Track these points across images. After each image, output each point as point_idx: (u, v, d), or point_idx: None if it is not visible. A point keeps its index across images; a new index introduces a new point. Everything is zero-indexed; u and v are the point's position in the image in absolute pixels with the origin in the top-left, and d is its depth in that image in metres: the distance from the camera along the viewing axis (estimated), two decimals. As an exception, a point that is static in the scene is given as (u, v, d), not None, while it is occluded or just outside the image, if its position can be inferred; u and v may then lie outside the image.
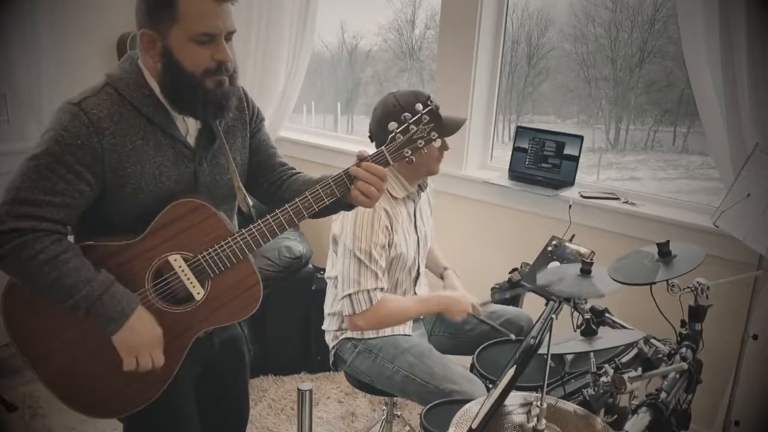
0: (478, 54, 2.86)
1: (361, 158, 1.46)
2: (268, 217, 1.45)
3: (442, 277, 2.33)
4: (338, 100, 4.08)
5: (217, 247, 1.43)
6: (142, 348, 1.41)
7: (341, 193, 1.46)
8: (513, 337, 2.07)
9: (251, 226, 1.44)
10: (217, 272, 1.44)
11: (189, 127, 1.47)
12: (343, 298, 1.97)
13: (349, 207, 1.56)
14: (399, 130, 1.45)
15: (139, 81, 1.40)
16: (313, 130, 3.79)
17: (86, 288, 1.34)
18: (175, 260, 1.43)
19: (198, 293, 1.45)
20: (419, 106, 1.46)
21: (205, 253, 1.43)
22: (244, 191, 1.53)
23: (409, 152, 1.46)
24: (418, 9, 3.67)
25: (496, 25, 2.91)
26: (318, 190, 1.45)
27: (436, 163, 2.05)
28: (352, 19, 3.82)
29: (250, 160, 1.63)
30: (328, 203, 1.46)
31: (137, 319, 1.39)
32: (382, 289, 1.98)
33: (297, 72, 3.36)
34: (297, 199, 1.45)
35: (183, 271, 1.43)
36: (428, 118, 1.45)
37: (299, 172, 1.68)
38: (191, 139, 1.47)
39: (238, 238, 1.43)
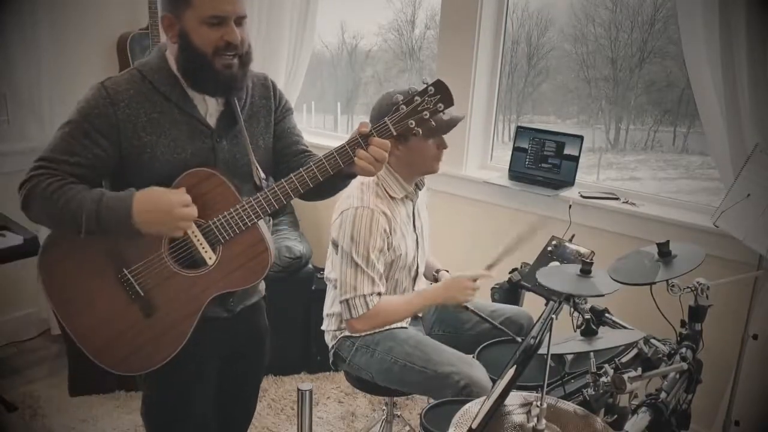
0: (478, 54, 2.86)
1: (363, 133, 1.49)
2: (273, 185, 1.53)
3: (436, 280, 2.32)
4: (338, 100, 4.08)
5: (226, 213, 1.51)
6: (169, 215, 1.45)
7: (345, 164, 1.51)
8: (516, 337, 2.06)
9: (258, 194, 1.52)
10: (228, 238, 1.53)
11: (209, 107, 1.57)
12: (341, 302, 1.98)
13: (352, 176, 1.60)
14: (403, 101, 1.49)
15: (162, 64, 1.54)
16: (313, 130, 3.79)
17: (86, 206, 1.44)
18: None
19: (210, 258, 1.54)
20: (426, 78, 1.49)
21: (215, 219, 1.51)
22: (257, 165, 1.61)
23: (414, 123, 1.48)
24: (418, 9, 3.67)
25: (496, 25, 2.91)
26: (323, 161, 1.51)
27: (435, 161, 2.04)
28: (352, 19, 3.82)
29: (274, 146, 1.72)
30: (332, 173, 1.52)
31: (140, 202, 1.44)
32: (379, 294, 1.98)
33: (297, 72, 3.36)
34: (302, 169, 1.52)
35: (196, 236, 1.51)
36: (434, 89, 1.47)
37: (314, 155, 1.75)
38: (211, 119, 1.57)
39: (246, 206, 1.51)
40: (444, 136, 2.00)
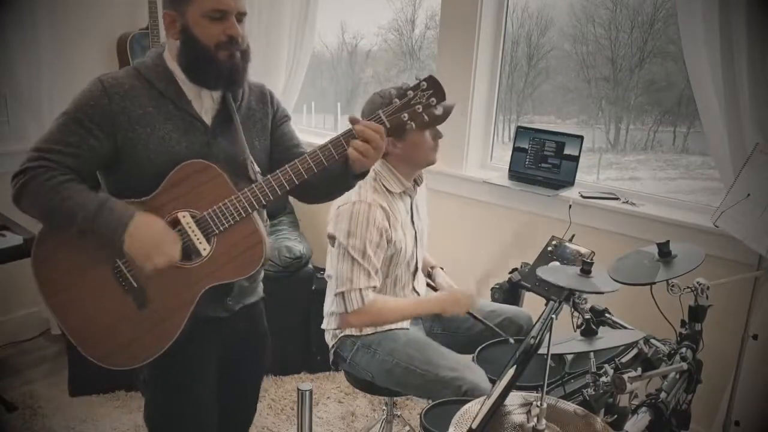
0: (478, 54, 2.86)
1: (353, 120, 1.52)
2: (268, 176, 1.54)
3: (430, 276, 2.33)
4: (338, 100, 4.08)
5: (221, 204, 1.53)
6: (152, 250, 1.48)
7: (339, 155, 1.54)
8: (511, 340, 2.06)
9: (252, 185, 1.54)
10: (222, 229, 1.53)
11: (204, 105, 1.60)
12: (336, 295, 1.98)
13: (360, 176, 1.62)
14: (396, 95, 1.51)
15: (158, 62, 1.58)
16: (313, 130, 3.79)
17: (86, 207, 1.47)
18: (184, 217, 1.53)
19: (204, 249, 1.54)
20: (419, 75, 1.51)
21: (210, 210, 1.53)
22: (252, 159, 1.63)
23: (407, 116, 1.50)
24: (418, 9, 3.67)
25: (496, 25, 2.91)
26: (317, 152, 1.54)
27: (432, 152, 2.06)
28: (352, 19, 3.82)
29: (272, 151, 1.74)
30: (326, 164, 1.54)
31: (137, 225, 1.48)
32: (374, 288, 1.98)
33: (297, 72, 3.36)
34: (296, 161, 1.54)
35: (190, 227, 1.53)
36: (426, 84, 1.50)
37: None
38: (207, 116, 1.60)
39: (240, 196, 1.53)
40: (439, 128, 2.00)
